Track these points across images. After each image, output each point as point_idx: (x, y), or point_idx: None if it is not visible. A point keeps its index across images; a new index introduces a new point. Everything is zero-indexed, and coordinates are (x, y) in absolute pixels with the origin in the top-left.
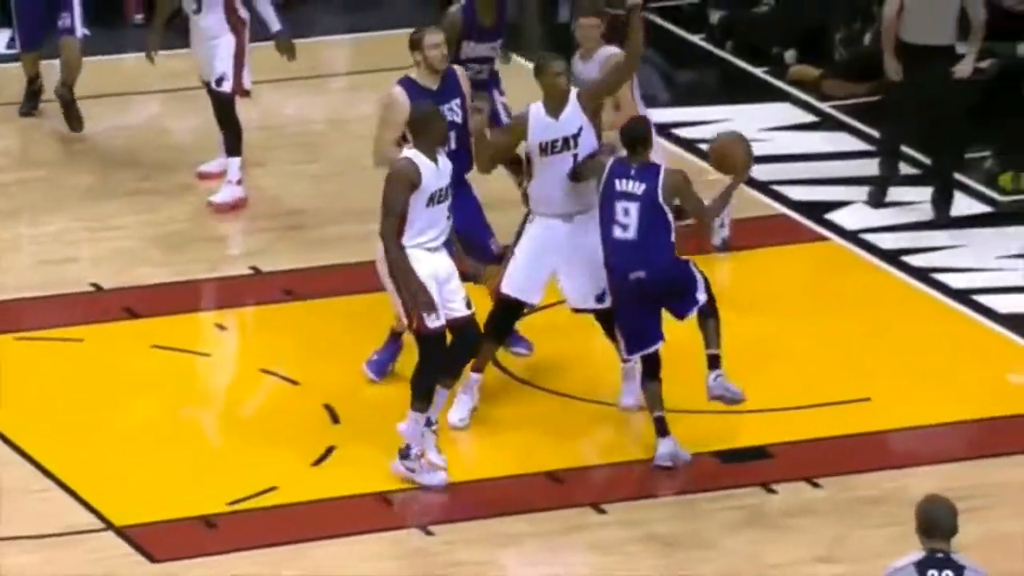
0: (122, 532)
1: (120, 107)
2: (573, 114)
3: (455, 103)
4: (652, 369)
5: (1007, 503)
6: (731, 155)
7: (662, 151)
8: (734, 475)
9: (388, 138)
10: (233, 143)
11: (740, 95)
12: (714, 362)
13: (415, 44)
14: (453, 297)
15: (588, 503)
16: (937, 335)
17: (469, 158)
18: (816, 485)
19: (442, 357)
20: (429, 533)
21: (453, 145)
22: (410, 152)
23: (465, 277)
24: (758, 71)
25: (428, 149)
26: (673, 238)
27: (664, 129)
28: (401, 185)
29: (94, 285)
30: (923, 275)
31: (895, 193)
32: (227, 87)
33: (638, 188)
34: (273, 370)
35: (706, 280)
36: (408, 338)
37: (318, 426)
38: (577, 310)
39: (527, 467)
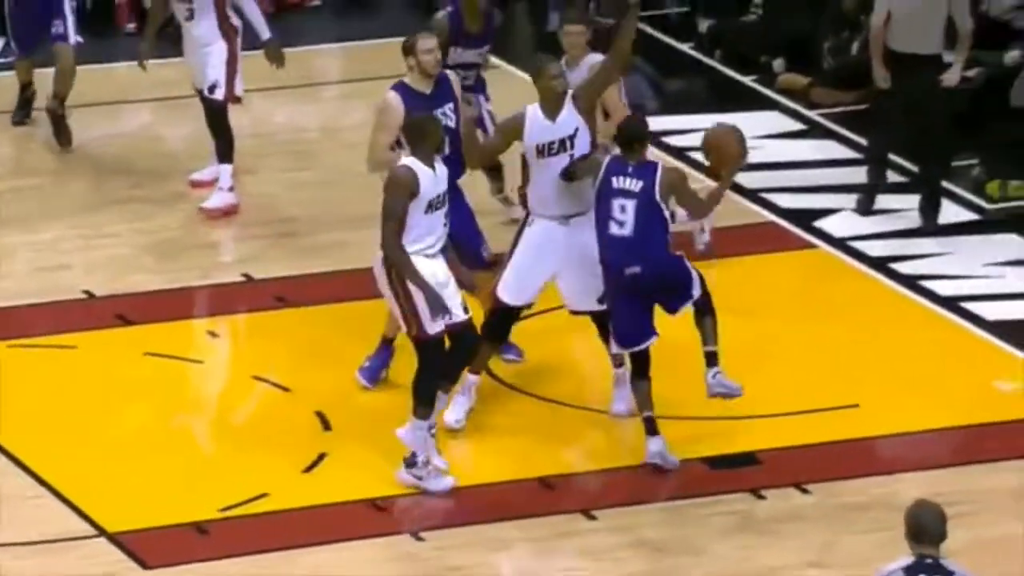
0: (114, 539)
1: (113, 115)
2: (569, 116)
3: (448, 108)
4: (642, 368)
5: (994, 509)
6: (725, 147)
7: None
8: (723, 481)
9: (383, 142)
10: (225, 150)
11: (729, 103)
12: (712, 359)
13: (409, 49)
14: (451, 302)
15: (578, 509)
16: (925, 342)
17: (462, 163)
18: (805, 491)
19: (441, 362)
20: (420, 539)
21: (447, 150)
22: (408, 160)
23: (460, 285)
24: (746, 79)
25: (426, 156)
26: (669, 235)
27: (653, 137)
28: (400, 192)
29: (87, 292)
30: (911, 282)
31: (883, 201)
32: (219, 94)
33: (635, 185)
34: (265, 377)
35: (701, 277)
36: (400, 343)
37: (309, 433)
38: (575, 312)
39: (518, 473)
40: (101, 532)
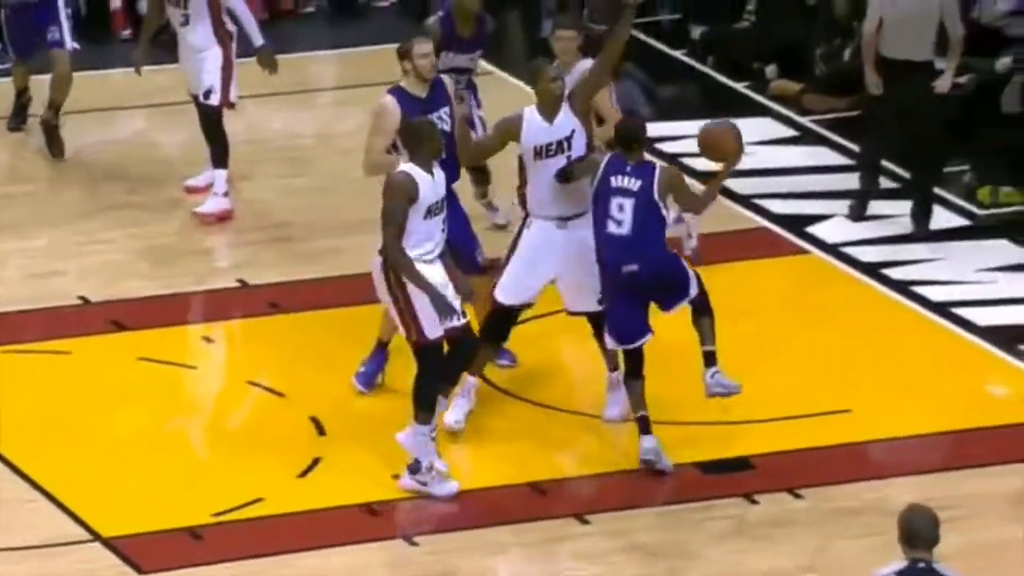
0: (109, 543)
1: (108, 122)
2: (566, 118)
3: (444, 111)
4: (636, 367)
5: (986, 513)
6: (721, 143)
7: None
8: (716, 486)
9: (379, 146)
10: (220, 155)
11: (721, 110)
12: (710, 359)
13: (404, 53)
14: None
15: (571, 514)
16: (917, 347)
17: (457, 168)
18: (798, 496)
19: (440, 366)
20: (414, 543)
21: (443, 154)
22: (406, 165)
23: (456, 291)
24: (739, 86)
25: (424, 162)
26: (667, 235)
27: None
28: (399, 197)
29: (82, 298)
30: (903, 288)
31: (875, 207)
32: (215, 100)
33: (634, 184)
34: (259, 382)
35: (698, 276)
36: (395, 347)
37: (304, 438)
38: (573, 313)
39: (511, 478)
40: (96, 537)
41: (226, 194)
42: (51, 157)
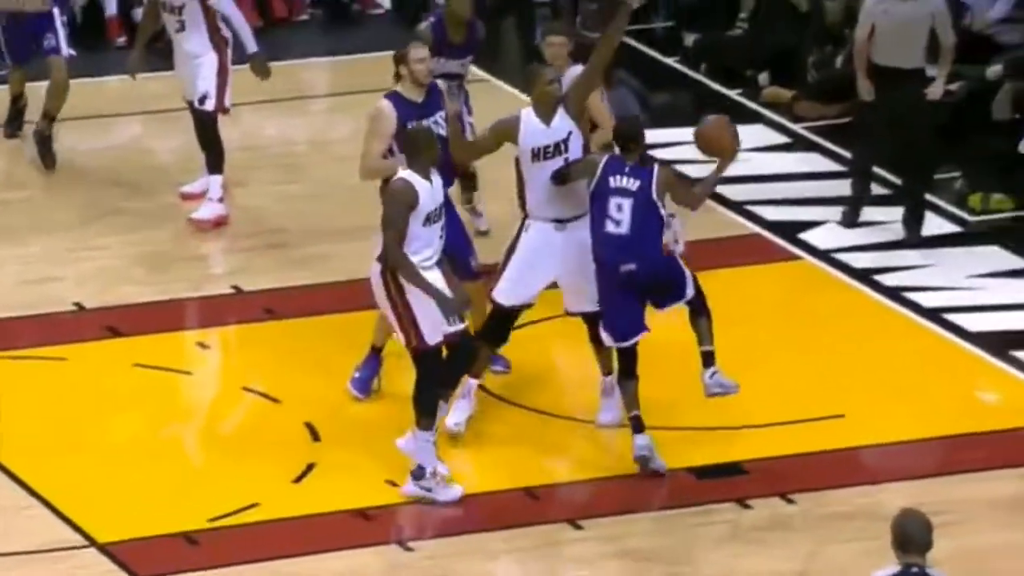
0: (105, 549)
1: (103, 128)
2: (562, 120)
3: (440, 116)
4: (630, 367)
5: (978, 518)
6: (718, 138)
7: None
8: (710, 491)
9: (375, 150)
10: (215, 161)
11: None
12: (708, 359)
13: (401, 59)
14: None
15: (565, 519)
16: (909, 353)
17: (451, 173)
18: (790, 501)
19: (440, 371)
20: (408, 548)
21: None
22: (405, 172)
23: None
24: (732, 93)
25: (422, 169)
26: (677, 234)
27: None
28: (399, 205)
29: (77, 304)
30: (895, 294)
31: (867, 213)
32: (210, 105)
33: (633, 184)
34: (254, 388)
35: (694, 277)
36: (389, 352)
37: (299, 443)
38: (571, 313)
39: (505, 483)
40: (92, 542)
41: (221, 200)
42: (44, 168)
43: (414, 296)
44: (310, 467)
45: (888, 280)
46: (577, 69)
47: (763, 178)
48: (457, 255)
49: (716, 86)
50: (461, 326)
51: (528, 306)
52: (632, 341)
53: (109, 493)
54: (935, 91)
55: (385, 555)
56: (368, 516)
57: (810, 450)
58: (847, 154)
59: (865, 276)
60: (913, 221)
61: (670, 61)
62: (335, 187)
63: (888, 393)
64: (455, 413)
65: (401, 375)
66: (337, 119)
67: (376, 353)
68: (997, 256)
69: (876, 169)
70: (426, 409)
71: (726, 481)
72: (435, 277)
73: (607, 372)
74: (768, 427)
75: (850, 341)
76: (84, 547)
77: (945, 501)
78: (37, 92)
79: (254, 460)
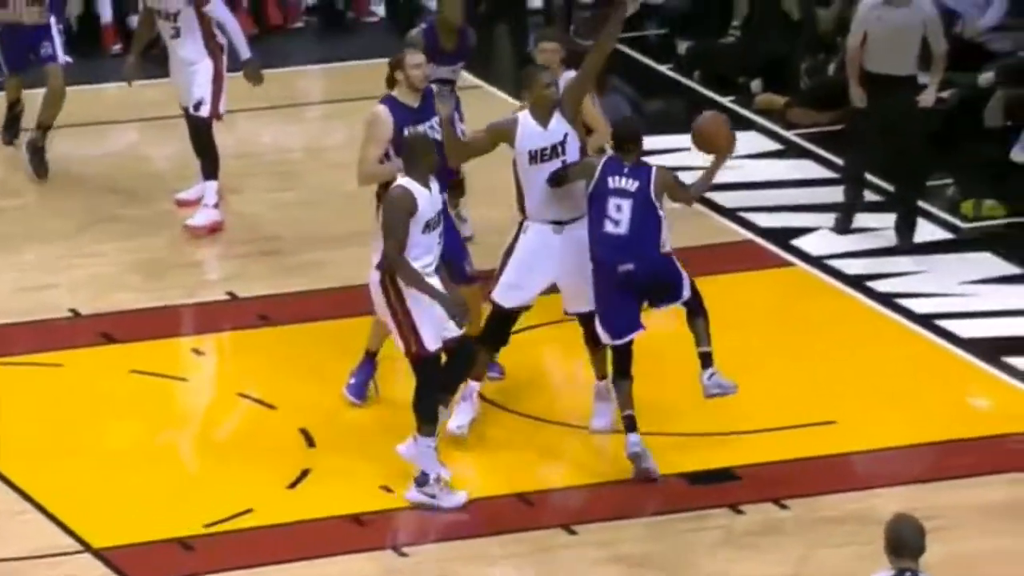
0: (100, 554)
1: (99, 136)
2: (559, 123)
3: (436, 120)
4: (624, 366)
5: (969, 524)
6: (715, 134)
7: None
8: (703, 496)
9: (372, 155)
10: (210, 167)
11: None
12: (707, 360)
13: (397, 64)
14: (446, 316)
15: (558, 524)
16: (901, 359)
17: (444, 177)
18: (783, 506)
19: (439, 377)
20: (403, 554)
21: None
22: (403, 180)
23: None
24: (725, 100)
25: (421, 176)
26: (663, 236)
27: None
28: (400, 211)
29: (72, 311)
30: (887, 300)
31: (859, 219)
32: (205, 111)
33: (632, 185)
34: (249, 394)
35: (691, 278)
36: (383, 356)
37: (293, 449)
38: (569, 313)
39: (499, 489)
40: (87, 548)
41: (217, 205)
42: (36, 178)
43: (414, 303)
44: (305, 473)
45: (880, 286)
46: (570, 75)
47: (756, 185)
48: (452, 259)
49: (709, 93)
50: (459, 332)
51: (526, 308)
52: (628, 339)
53: (104, 498)
54: (927, 98)
55: (380, 560)
56: (363, 522)
57: (803, 456)
58: (840, 161)
59: (858, 282)
60: (905, 228)
61: (663, 68)
62: (330, 194)
63: (880, 399)
64: (458, 416)
65: (396, 381)
66: (332, 126)
67: (371, 358)
68: (989, 263)
69: (869, 176)
70: (426, 416)
71: (719, 487)
72: (435, 283)
73: (601, 376)
74: (761, 433)
75: (843, 347)
76: (79, 552)
77: (936, 506)
78: (35, 99)
79: (249, 466)
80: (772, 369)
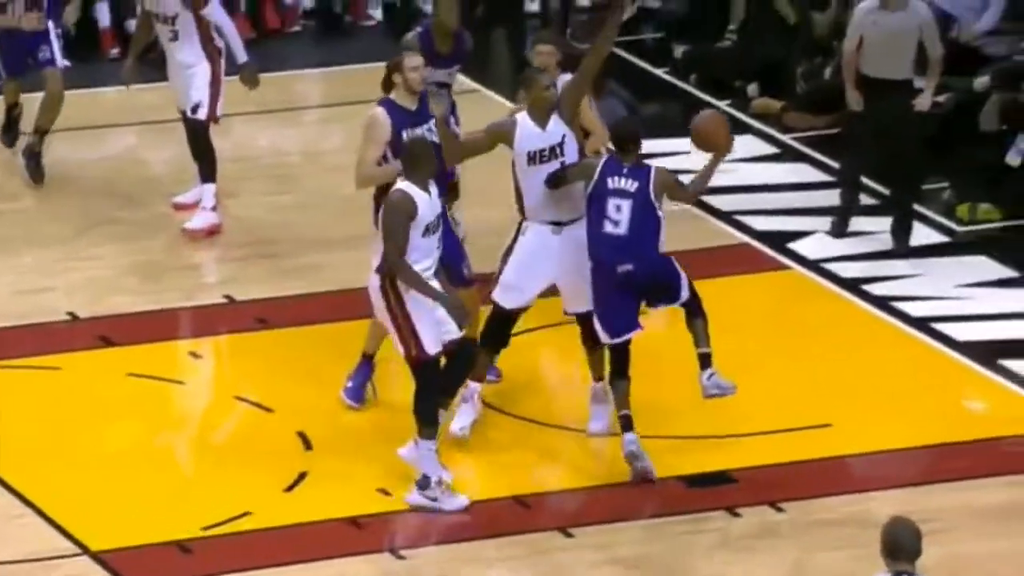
0: (98, 557)
1: (97, 139)
2: (557, 124)
3: (433, 123)
4: (622, 366)
5: (965, 526)
6: (714, 133)
7: None
8: (699, 499)
9: (370, 158)
10: (208, 170)
11: None
12: (705, 361)
13: (395, 67)
14: (446, 320)
15: (555, 527)
16: (897, 362)
17: (443, 180)
18: (779, 509)
19: (439, 380)
20: (400, 557)
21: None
22: (403, 184)
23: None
24: (721, 104)
25: (420, 181)
26: (662, 236)
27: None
28: (400, 215)
29: (70, 314)
30: (883, 303)
31: (855, 223)
32: (202, 114)
33: (631, 185)
34: (246, 397)
35: (689, 279)
36: (381, 358)
37: (291, 452)
38: (568, 313)
39: (495, 492)
40: (85, 551)
41: (214, 209)
42: (32, 183)
43: (414, 306)
44: (302, 476)
45: (876, 290)
46: (566, 78)
47: (752, 188)
48: (450, 263)
49: (706, 97)
50: (459, 334)
51: (525, 309)
52: (626, 338)
53: (102, 501)
54: (923, 102)
55: (377, 563)
56: (360, 524)
57: (799, 458)
58: (836, 164)
59: (854, 286)
60: (901, 231)
61: (660, 72)
62: (327, 197)
63: (876, 402)
64: (460, 418)
65: (393, 382)
66: (329, 130)
67: (368, 361)
68: (985, 266)
69: (865, 179)
70: (427, 419)
71: (715, 489)
72: (435, 287)
73: (598, 377)
74: (757, 436)
75: (839, 350)
76: (77, 555)
77: (932, 509)
78: (33, 103)
79: (246, 469)
80: (768, 372)
